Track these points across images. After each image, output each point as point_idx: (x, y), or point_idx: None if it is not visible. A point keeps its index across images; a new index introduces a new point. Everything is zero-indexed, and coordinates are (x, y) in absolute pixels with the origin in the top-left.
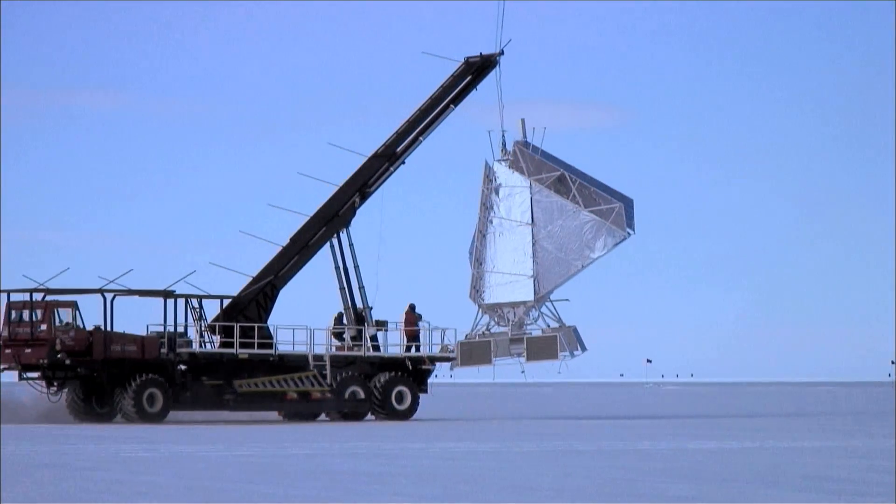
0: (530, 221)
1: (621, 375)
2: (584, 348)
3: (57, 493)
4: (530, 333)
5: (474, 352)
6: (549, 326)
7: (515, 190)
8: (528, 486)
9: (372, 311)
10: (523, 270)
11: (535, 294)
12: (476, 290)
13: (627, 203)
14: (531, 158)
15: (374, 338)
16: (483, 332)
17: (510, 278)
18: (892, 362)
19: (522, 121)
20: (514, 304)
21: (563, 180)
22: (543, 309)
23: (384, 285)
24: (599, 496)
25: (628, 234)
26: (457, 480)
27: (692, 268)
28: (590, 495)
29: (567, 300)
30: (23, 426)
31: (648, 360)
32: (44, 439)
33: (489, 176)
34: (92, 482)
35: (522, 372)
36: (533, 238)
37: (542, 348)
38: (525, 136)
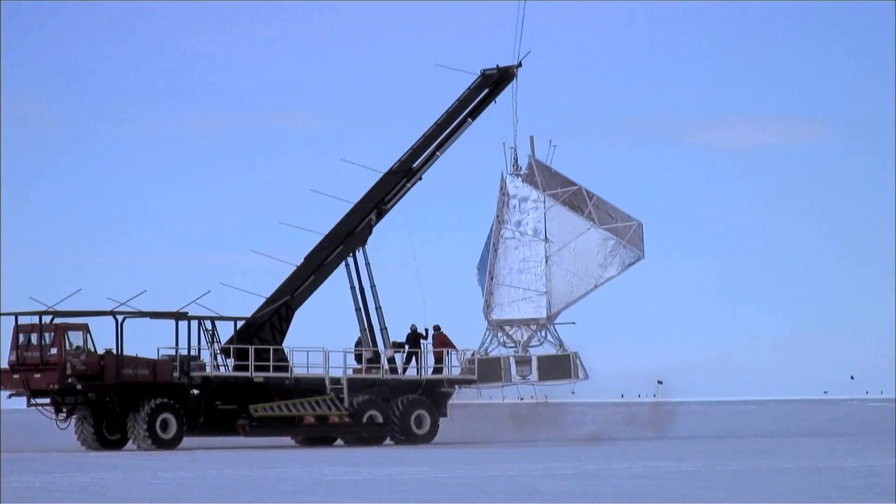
0: (544, 237)
1: (825, 392)
2: (586, 375)
3: None
4: (535, 354)
5: (488, 369)
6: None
7: (529, 204)
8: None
9: (388, 332)
10: (536, 287)
11: (547, 311)
12: (488, 306)
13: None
14: (547, 173)
15: (391, 360)
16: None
17: (523, 294)
18: None
19: (532, 138)
20: (526, 322)
21: (579, 196)
22: (546, 332)
23: (396, 305)
24: None
25: (640, 255)
26: (660, 499)
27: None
28: None
29: (573, 323)
30: (77, 454)
31: (851, 377)
32: (244, 463)
33: (504, 189)
34: None
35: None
36: (546, 254)
37: (555, 367)
38: (534, 153)
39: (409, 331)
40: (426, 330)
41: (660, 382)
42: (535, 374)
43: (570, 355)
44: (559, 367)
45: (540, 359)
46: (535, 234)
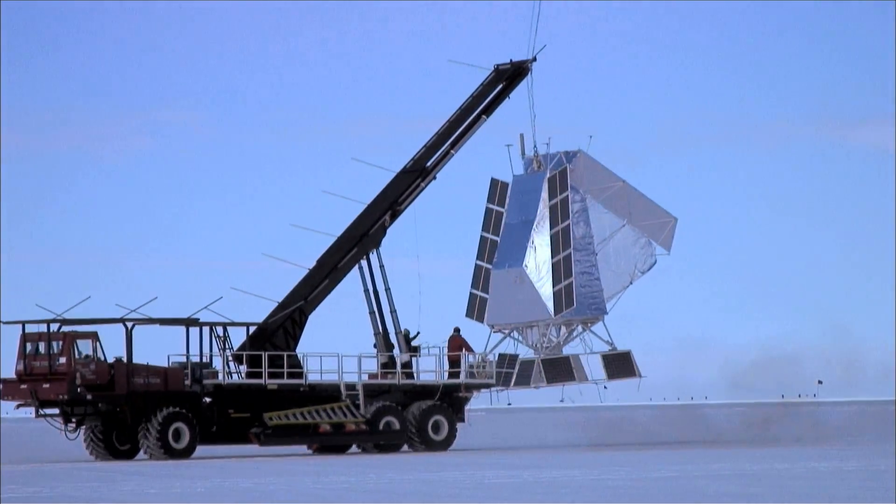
0: (590, 235)
1: None
2: (640, 374)
3: None
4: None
5: (558, 369)
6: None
7: (573, 202)
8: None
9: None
10: (590, 286)
11: (604, 310)
12: (561, 303)
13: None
14: (590, 168)
15: (407, 364)
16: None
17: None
18: None
19: (522, 136)
20: (588, 320)
21: (623, 192)
22: (584, 331)
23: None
24: None
25: (666, 252)
26: (824, 498)
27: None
28: None
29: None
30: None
31: None
32: (394, 468)
33: (549, 191)
34: None
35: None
36: (594, 252)
37: (619, 365)
38: (524, 153)
39: None
40: (418, 334)
41: (820, 382)
42: (603, 373)
43: (629, 353)
44: (623, 364)
45: (605, 357)
46: (583, 233)
